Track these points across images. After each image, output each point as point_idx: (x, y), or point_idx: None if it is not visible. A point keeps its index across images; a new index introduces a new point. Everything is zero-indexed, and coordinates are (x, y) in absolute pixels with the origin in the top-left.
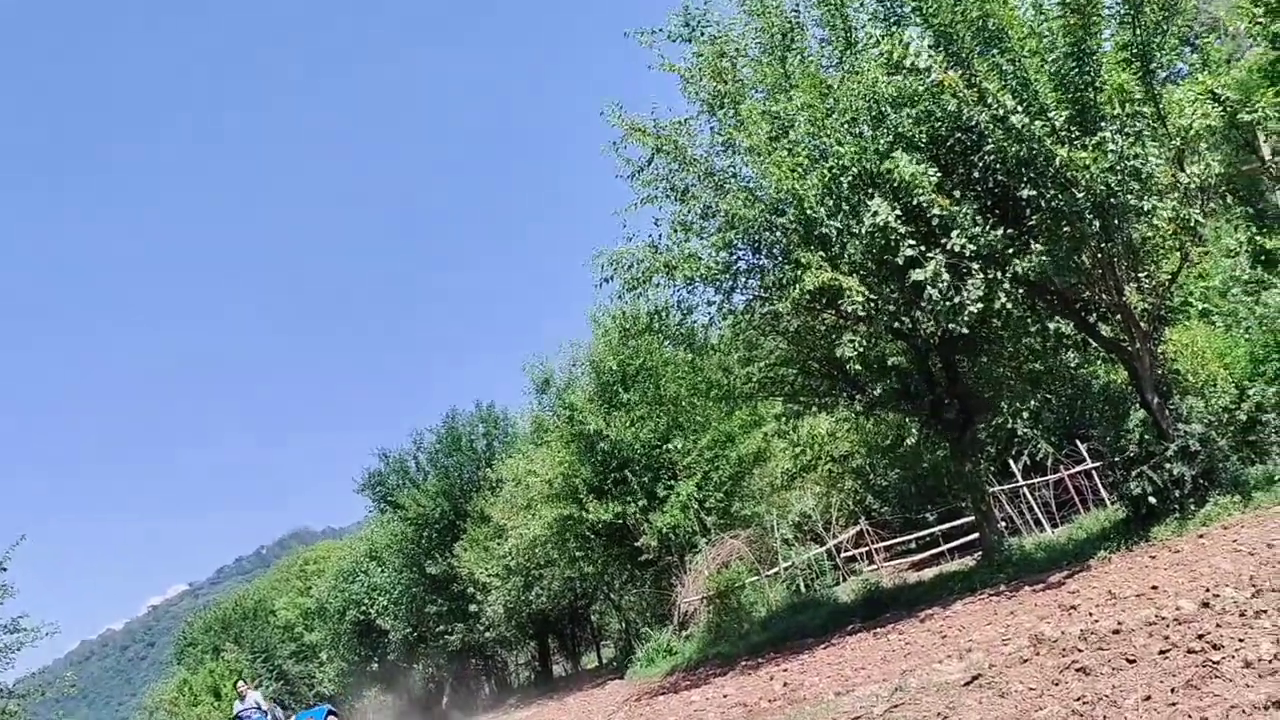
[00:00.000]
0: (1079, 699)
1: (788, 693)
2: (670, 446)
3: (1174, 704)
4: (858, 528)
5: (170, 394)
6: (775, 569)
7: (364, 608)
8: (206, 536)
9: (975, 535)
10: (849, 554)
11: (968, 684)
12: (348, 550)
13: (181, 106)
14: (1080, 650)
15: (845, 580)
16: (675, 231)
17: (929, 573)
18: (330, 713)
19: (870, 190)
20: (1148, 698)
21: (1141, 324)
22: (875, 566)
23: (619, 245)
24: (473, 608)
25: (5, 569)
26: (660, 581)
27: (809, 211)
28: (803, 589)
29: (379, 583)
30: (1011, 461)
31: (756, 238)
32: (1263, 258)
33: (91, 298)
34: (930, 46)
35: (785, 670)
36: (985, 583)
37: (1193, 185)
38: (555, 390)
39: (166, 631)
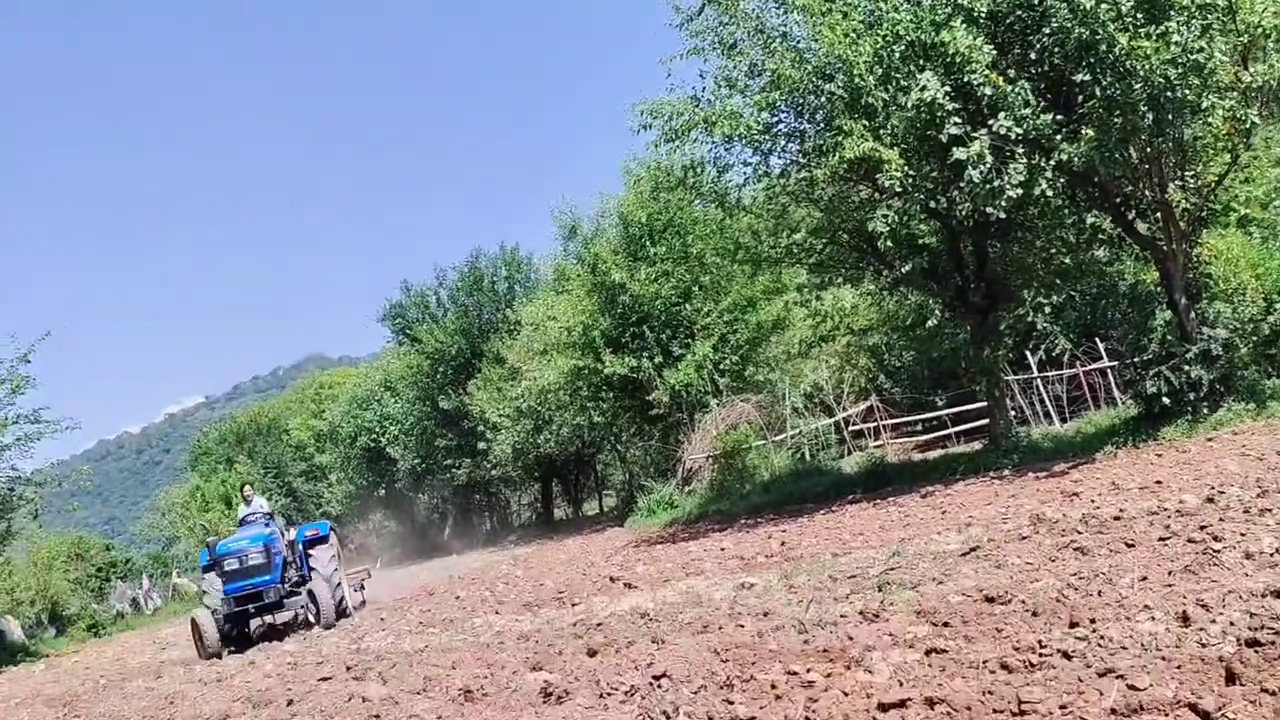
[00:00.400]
0: (1075, 574)
1: (784, 551)
2: (690, 305)
3: (1170, 585)
4: (868, 403)
5: (200, 207)
6: (782, 436)
7: (375, 435)
8: (225, 353)
9: (982, 422)
10: (857, 428)
11: (965, 554)
12: (363, 378)
13: None
14: (1079, 532)
15: (850, 454)
16: (719, 87)
17: (934, 454)
18: (330, 529)
19: (921, 63)
20: (1144, 578)
21: (1180, 224)
22: (881, 443)
23: (661, 96)
24: (481, 445)
25: (30, 361)
26: (668, 437)
27: (857, 79)
28: (808, 457)
29: (391, 412)
30: (1029, 354)
31: (800, 101)
32: None
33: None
34: None
35: (784, 531)
36: (990, 466)
37: (1254, 85)
38: (582, 239)
39: (182, 439)
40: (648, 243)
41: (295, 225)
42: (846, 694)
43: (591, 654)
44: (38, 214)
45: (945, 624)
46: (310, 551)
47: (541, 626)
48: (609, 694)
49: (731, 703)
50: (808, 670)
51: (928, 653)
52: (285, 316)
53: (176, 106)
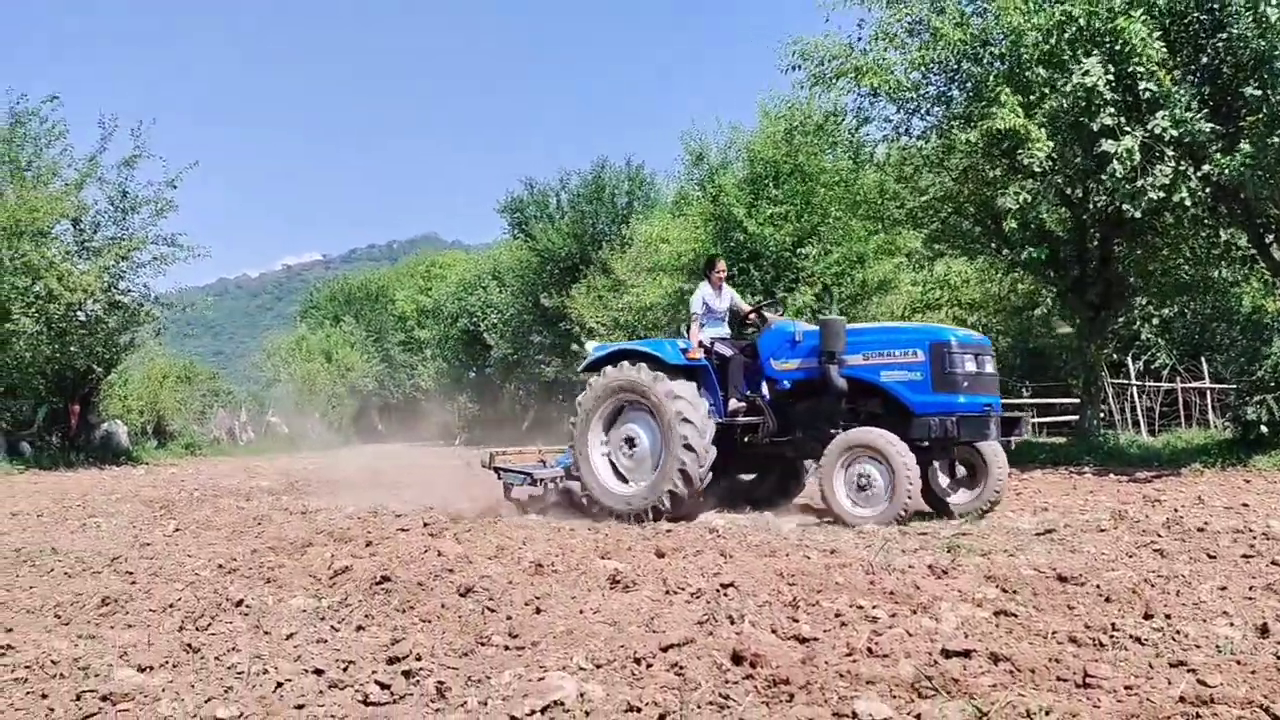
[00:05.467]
0: (1153, 571)
1: None
2: (802, 252)
3: (1250, 599)
4: None
5: (341, 78)
6: None
7: (475, 320)
8: (347, 219)
9: (1066, 418)
10: None
11: (1039, 534)
12: (473, 264)
13: None
14: (1160, 536)
15: None
16: (876, 39)
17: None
18: None
19: (1089, 48)
20: (1224, 588)
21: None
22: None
23: (816, 37)
24: (574, 347)
25: (175, 187)
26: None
27: (1022, 52)
28: None
29: (495, 301)
30: (1130, 360)
31: (956, 65)
32: None
33: None
34: None
35: None
36: (1071, 459)
37: None
38: (707, 167)
39: (294, 291)
40: (771, 183)
41: (430, 109)
42: (910, 634)
43: (660, 555)
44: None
45: (1015, 591)
46: None
47: (609, 522)
48: (676, 591)
49: (797, 620)
50: (874, 606)
51: (996, 613)
52: (408, 194)
53: None
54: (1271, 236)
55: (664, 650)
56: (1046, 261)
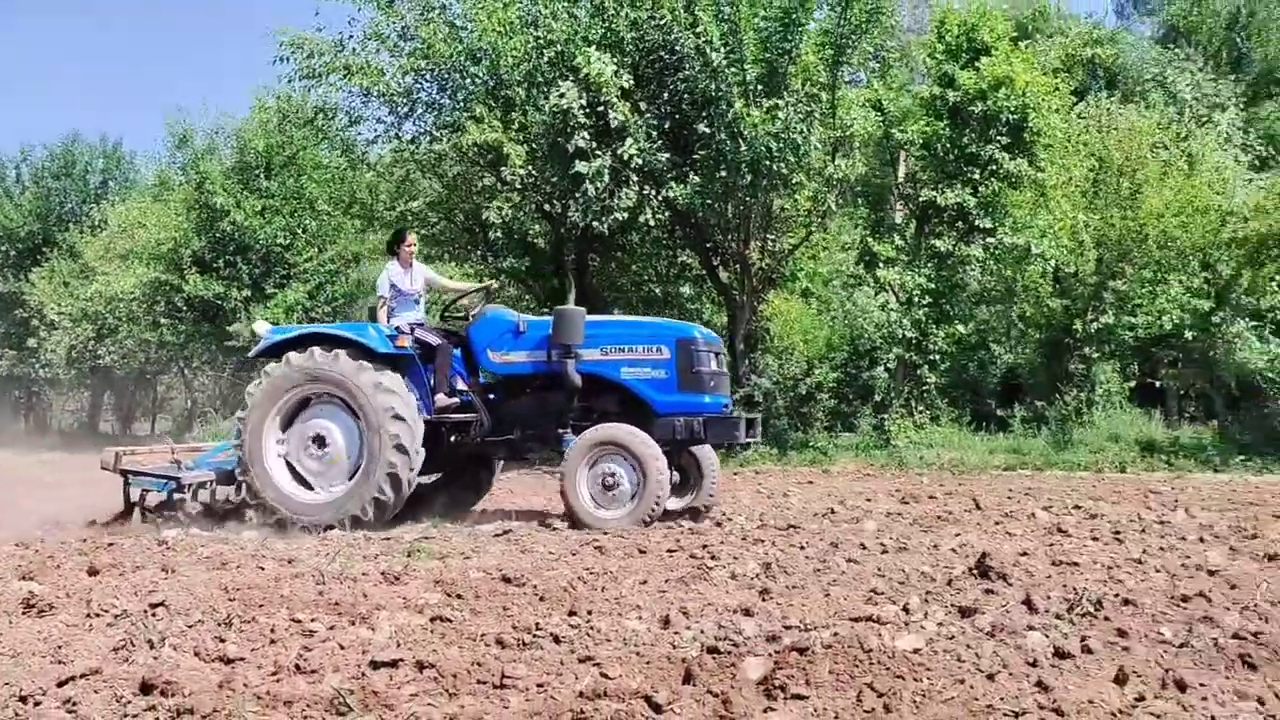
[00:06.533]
0: (587, 569)
1: None
2: (294, 247)
3: (664, 591)
4: None
5: None
6: None
7: None
8: None
9: None
10: None
11: (497, 535)
12: None
13: None
14: (605, 534)
15: None
16: (368, 39)
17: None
18: None
19: (567, 73)
20: (644, 582)
21: (754, 280)
22: None
23: (307, 30)
24: (32, 341)
25: None
26: (242, 373)
27: (502, 72)
28: None
29: None
30: None
31: (445, 77)
32: (867, 259)
33: None
34: None
35: None
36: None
37: (836, 176)
38: (193, 152)
39: None
40: (262, 174)
41: None
42: (343, 647)
43: (93, 573)
44: None
45: (459, 596)
46: None
47: (47, 536)
48: (99, 614)
49: (224, 640)
50: (312, 620)
51: (433, 620)
52: None
53: None
54: (718, 260)
55: (60, 685)
56: (528, 271)
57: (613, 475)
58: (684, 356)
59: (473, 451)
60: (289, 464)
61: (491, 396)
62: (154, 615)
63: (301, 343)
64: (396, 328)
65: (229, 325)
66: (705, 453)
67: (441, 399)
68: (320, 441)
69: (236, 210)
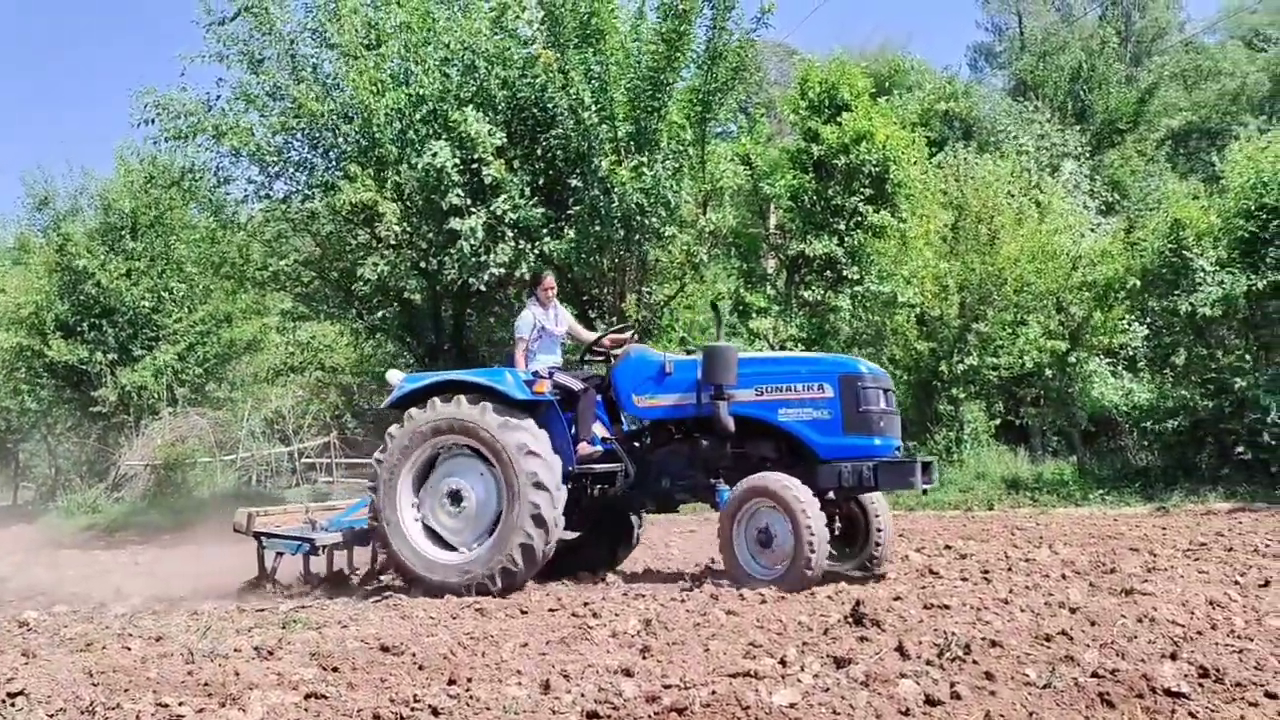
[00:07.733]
0: (467, 634)
1: (206, 574)
2: (163, 309)
3: (544, 654)
4: (328, 439)
5: None
6: (233, 457)
7: None
8: None
9: None
10: (310, 461)
11: (377, 601)
12: None
13: None
14: (490, 597)
15: (300, 485)
16: (236, 99)
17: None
18: None
19: (440, 131)
20: (525, 645)
21: (633, 332)
22: (333, 480)
23: (171, 90)
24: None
25: None
26: (108, 438)
27: (375, 130)
28: (253, 482)
29: None
30: None
31: (317, 136)
32: (740, 308)
33: None
34: (539, 21)
35: (212, 552)
36: None
37: (708, 228)
38: (54, 214)
39: None
40: (129, 235)
41: None
42: None
43: None
44: None
45: (335, 669)
46: None
47: None
48: None
49: None
50: (179, 703)
51: (307, 696)
52: None
53: None
54: (595, 313)
55: None
56: (404, 327)
57: (764, 530)
58: (849, 394)
59: (616, 504)
60: (424, 525)
61: (636, 444)
62: (13, 705)
63: (437, 391)
64: (535, 372)
65: (94, 391)
66: (875, 501)
67: (584, 448)
68: (456, 498)
69: (101, 272)
